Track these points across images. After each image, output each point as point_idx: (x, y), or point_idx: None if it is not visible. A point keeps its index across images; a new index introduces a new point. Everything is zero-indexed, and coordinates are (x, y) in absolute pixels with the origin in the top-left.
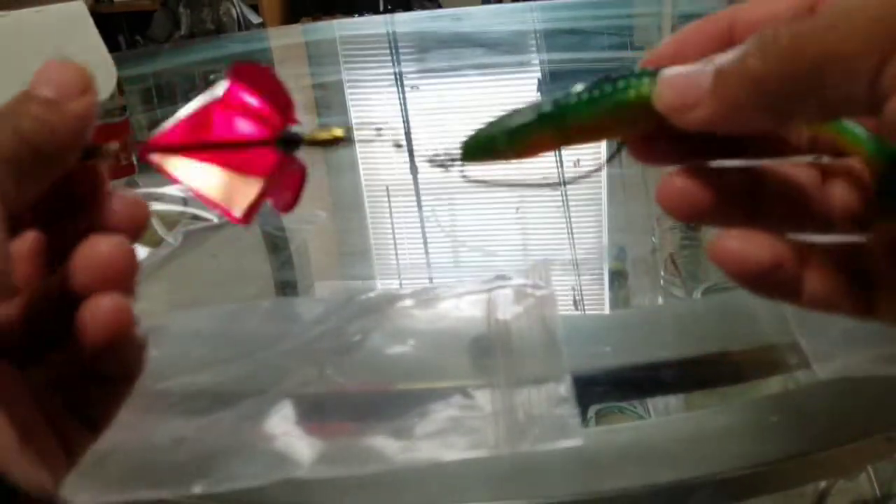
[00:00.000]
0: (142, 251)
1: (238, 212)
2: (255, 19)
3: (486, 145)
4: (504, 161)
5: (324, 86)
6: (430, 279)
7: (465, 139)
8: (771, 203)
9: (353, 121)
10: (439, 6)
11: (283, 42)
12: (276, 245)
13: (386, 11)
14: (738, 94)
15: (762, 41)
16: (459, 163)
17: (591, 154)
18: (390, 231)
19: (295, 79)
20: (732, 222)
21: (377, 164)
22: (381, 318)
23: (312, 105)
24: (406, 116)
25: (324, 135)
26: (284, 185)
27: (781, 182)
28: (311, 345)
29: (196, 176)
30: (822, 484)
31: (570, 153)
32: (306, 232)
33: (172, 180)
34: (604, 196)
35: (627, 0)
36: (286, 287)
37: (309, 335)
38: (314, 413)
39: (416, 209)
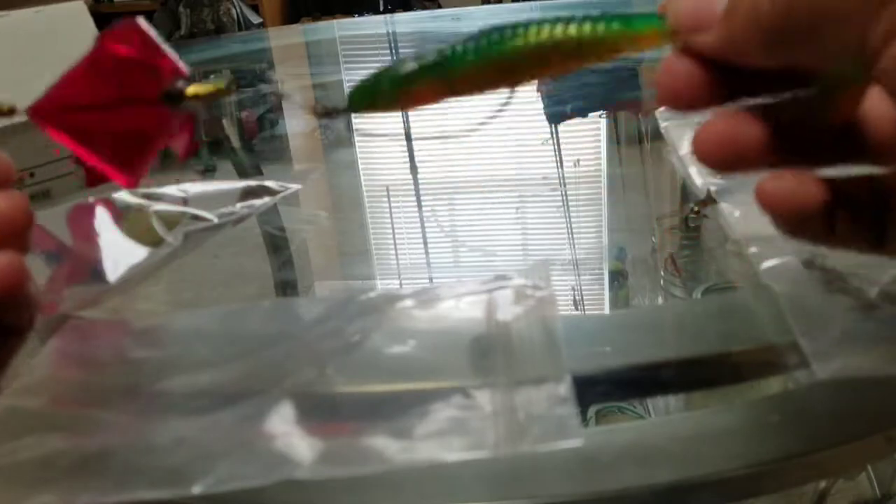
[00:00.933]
0: (142, 251)
1: (124, 175)
2: (255, 19)
3: (371, 93)
4: (390, 111)
5: (324, 86)
6: (430, 279)
7: (351, 88)
8: (806, 139)
9: (354, 121)
10: (439, 6)
11: (283, 42)
12: (276, 245)
13: (386, 11)
14: (744, 27)
15: None
16: (346, 112)
17: (591, 154)
18: (390, 231)
19: (295, 79)
20: (770, 163)
21: (377, 164)
22: (382, 319)
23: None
24: (406, 116)
25: (205, 88)
26: (175, 137)
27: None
28: (312, 345)
29: (81, 138)
30: (822, 484)
31: (570, 153)
32: (306, 232)
33: (61, 143)
34: (604, 196)
35: (627, 0)
36: (286, 287)
37: (309, 335)
38: (314, 413)
39: (416, 209)
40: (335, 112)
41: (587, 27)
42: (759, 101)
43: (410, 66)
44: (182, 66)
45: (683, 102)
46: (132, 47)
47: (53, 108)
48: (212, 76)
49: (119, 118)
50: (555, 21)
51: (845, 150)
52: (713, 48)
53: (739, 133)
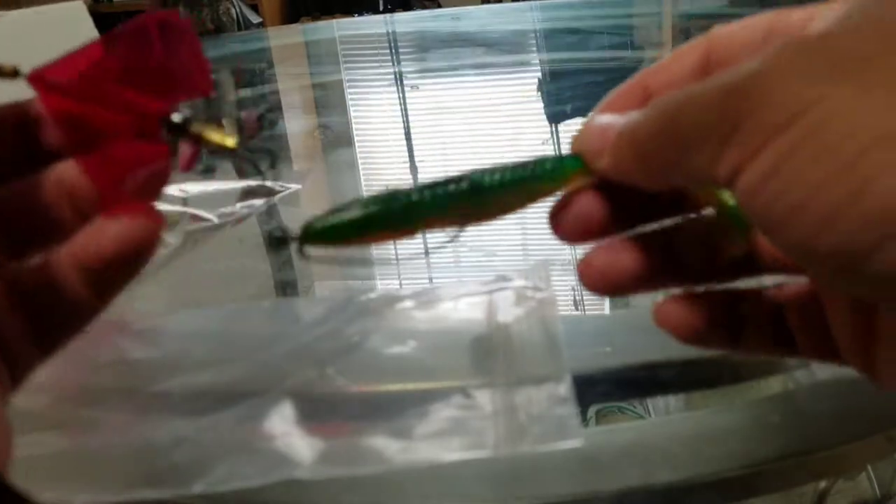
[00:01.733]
0: None
1: (97, 182)
2: (254, 19)
3: (326, 232)
4: (344, 246)
5: (323, 86)
6: (430, 279)
7: (306, 224)
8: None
9: (353, 120)
10: (439, 5)
11: (283, 42)
12: (276, 245)
13: (385, 11)
14: (625, 152)
15: (650, 106)
16: (297, 244)
17: None
18: None
19: (295, 78)
20: (660, 284)
21: (377, 164)
22: (382, 319)
23: (312, 105)
24: (406, 116)
25: (215, 138)
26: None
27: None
28: (312, 345)
29: (73, 123)
30: (822, 484)
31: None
32: None
33: (50, 117)
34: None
35: (628, 0)
36: (286, 287)
37: (309, 336)
38: (314, 413)
39: None
40: (291, 240)
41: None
42: (654, 226)
43: (362, 212)
44: (210, 82)
45: (589, 237)
46: (176, 46)
47: (58, 82)
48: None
49: (118, 122)
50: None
51: (738, 270)
52: (608, 172)
53: (618, 262)
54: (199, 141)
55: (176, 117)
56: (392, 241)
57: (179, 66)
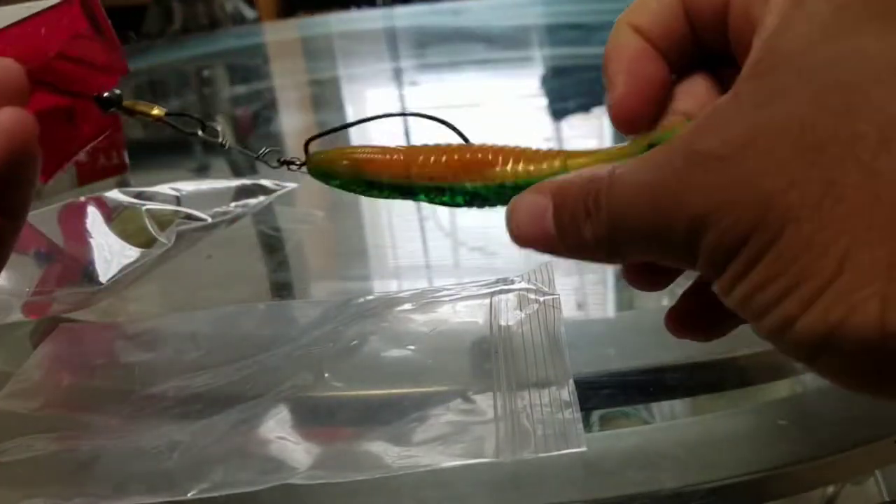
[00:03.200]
0: (134, 251)
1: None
2: (249, 14)
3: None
4: (346, 177)
5: (320, 82)
6: (430, 280)
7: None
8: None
9: (350, 117)
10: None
11: (279, 37)
12: (272, 245)
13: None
14: (577, 250)
15: (597, 207)
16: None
17: None
18: (388, 231)
19: (291, 75)
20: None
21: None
22: (380, 322)
23: (309, 102)
24: (405, 119)
25: (142, 106)
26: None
27: None
28: (308, 348)
29: None
30: (830, 489)
31: None
32: (302, 232)
33: None
34: None
35: None
36: (282, 288)
37: (306, 339)
38: (310, 418)
39: (415, 209)
40: (295, 167)
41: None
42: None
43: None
44: (126, 64)
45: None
46: (92, 27)
47: None
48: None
49: (42, 97)
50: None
51: None
52: (559, 253)
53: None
54: (131, 113)
55: (107, 94)
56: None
57: (95, 49)
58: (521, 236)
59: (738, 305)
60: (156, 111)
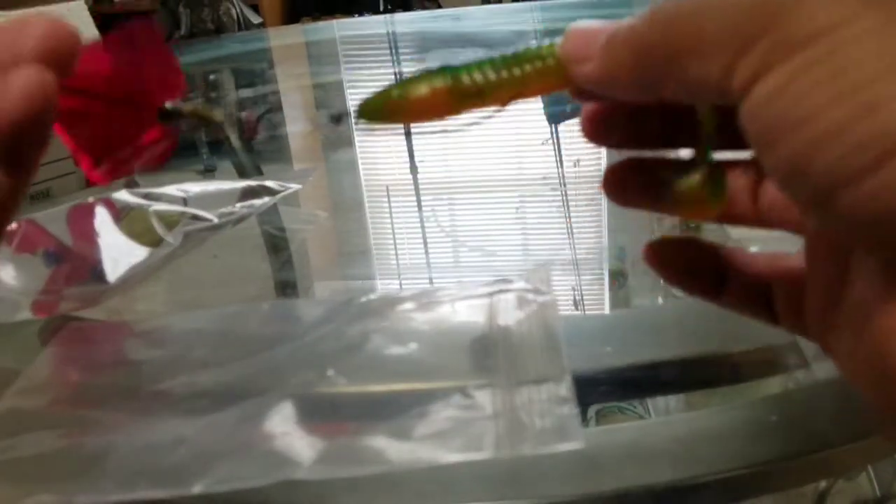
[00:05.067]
0: (142, 251)
1: (97, 172)
2: (255, 19)
3: (381, 101)
4: (401, 121)
5: (323, 86)
6: (430, 279)
7: (362, 100)
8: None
9: (352, 121)
10: (439, 6)
11: (284, 42)
12: (276, 245)
13: (386, 11)
14: (618, 56)
15: (651, 12)
16: (358, 120)
17: (591, 154)
18: (390, 231)
19: (295, 79)
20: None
21: (377, 163)
22: (382, 321)
23: (312, 105)
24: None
25: (204, 112)
26: (151, 150)
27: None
28: (312, 346)
29: (69, 117)
30: (823, 484)
31: (570, 153)
32: (306, 232)
33: None
34: (604, 196)
35: (627, 0)
36: (286, 287)
37: (310, 337)
38: (314, 414)
39: (416, 209)
40: (348, 119)
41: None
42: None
43: (421, 79)
44: (183, 81)
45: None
46: (149, 46)
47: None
48: (199, 99)
49: (108, 112)
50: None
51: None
52: (592, 79)
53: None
54: (195, 118)
55: (168, 105)
56: (445, 114)
57: (156, 70)
58: (569, 51)
59: (783, 111)
60: (217, 116)
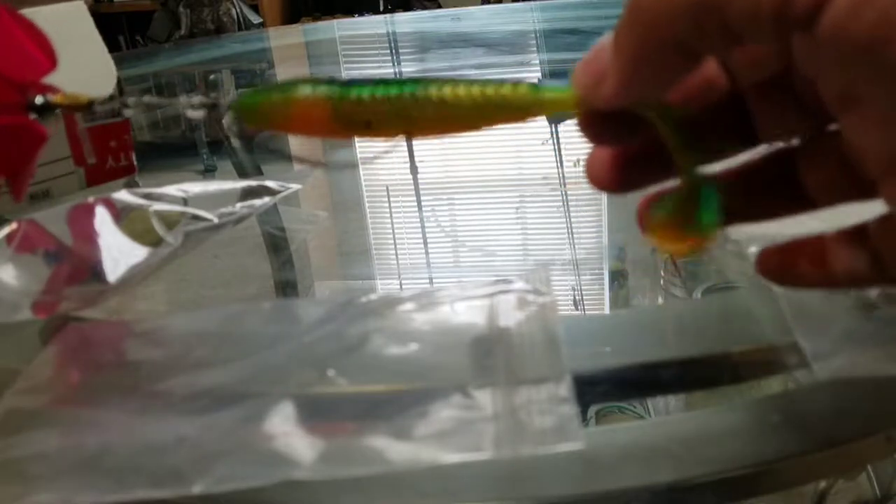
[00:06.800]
0: (142, 251)
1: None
2: (255, 19)
3: (260, 102)
4: (277, 129)
5: None
6: (431, 279)
7: (241, 93)
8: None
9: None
10: (439, 6)
11: (283, 42)
12: (276, 245)
13: (386, 11)
14: (630, 47)
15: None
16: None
17: None
18: (390, 231)
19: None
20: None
21: (377, 164)
22: (382, 321)
23: None
24: None
25: (67, 99)
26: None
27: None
28: (312, 346)
29: None
30: (822, 484)
31: (570, 153)
32: (306, 232)
33: None
34: (604, 196)
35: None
36: (286, 287)
37: (310, 337)
38: (314, 413)
39: (416, 209)
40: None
41: (491, 90)
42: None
43: (304, 83)
44: (52, 57)
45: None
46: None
47: None
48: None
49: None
50: (468, 82)
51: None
52: (616, 92)
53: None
54: (68, 108)
55: (38, 99)
56: (323, 130)
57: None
58: (585, 82)
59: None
60: (82, 99)
